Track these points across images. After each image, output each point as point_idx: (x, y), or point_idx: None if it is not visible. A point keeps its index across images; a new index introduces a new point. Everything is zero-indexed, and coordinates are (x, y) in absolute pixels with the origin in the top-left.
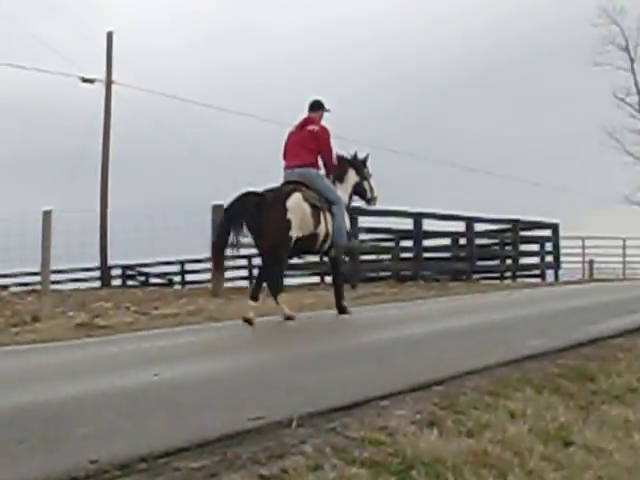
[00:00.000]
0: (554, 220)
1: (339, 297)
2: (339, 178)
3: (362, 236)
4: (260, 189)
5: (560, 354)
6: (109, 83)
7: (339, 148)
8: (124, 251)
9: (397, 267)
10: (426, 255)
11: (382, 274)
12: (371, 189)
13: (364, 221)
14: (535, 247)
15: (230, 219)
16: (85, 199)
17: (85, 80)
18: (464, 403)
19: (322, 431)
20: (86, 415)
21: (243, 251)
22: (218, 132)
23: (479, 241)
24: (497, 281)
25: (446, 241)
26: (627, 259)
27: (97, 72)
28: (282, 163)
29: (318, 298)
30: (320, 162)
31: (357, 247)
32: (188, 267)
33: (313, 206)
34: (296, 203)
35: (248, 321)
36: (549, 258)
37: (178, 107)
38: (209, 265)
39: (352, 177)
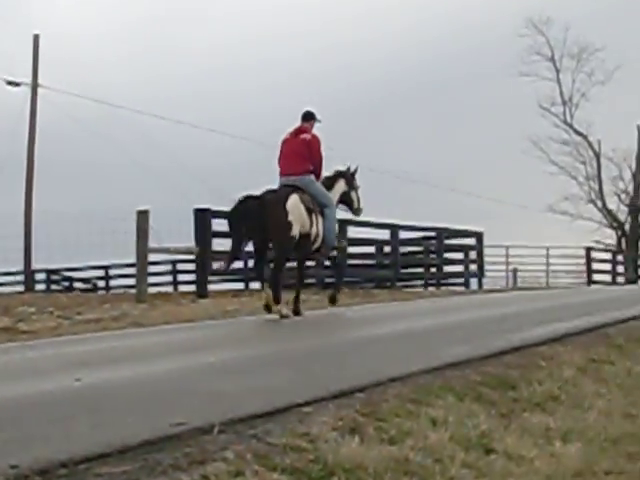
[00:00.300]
0: (478, 229)
1: (337, 285)
2: (329, 186)
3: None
4: (257, 192)
5: (482, 362)
6: (35, 86)
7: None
8: (48, 255)
9: (321, 274)
10: (351, 262)
11: (306, 281)
12: (358, 200)
13: None
14: (459, 255)
15: (233, 224)
16: (9, 203)
17: (10, 83)
18: (386, 410)
19: (244, 437)
20: (6, 420)
21: (167, 257)
22: (150, 140)
23: (404, 249)
24: (421, 289)
25: (371, 248)
26: (550, 268)
27: (25, 76)
28: (277, 169)
29: (242, 304)
30: (311, 167)
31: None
32: (113, 272)
33: (307, 208)
34: (294, 204)
35: (285, 316)
36: (473, 266)
37: (110, 114)
38: (133, 270)
39: (341, 187)
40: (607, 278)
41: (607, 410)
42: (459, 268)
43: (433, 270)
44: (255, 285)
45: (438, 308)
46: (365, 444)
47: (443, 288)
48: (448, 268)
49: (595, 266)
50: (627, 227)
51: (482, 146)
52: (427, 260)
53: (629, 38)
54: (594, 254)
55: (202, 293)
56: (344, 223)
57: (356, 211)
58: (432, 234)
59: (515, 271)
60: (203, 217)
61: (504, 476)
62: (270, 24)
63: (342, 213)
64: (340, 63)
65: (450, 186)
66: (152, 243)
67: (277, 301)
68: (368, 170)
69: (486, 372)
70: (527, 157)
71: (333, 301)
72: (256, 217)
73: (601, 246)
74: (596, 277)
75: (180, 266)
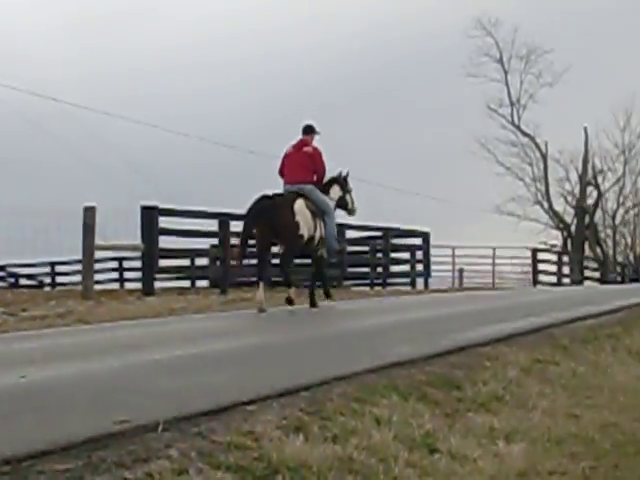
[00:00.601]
0: (425, 229)
1: (325, 286)
2: (325, 193)
3: (233, 240)
4: (270, 193)
5: (427, 361)
6: None
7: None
8: None
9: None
10: (298, 261)
11: (253, 279)
12: (352, 201)
13: (236, 225)
14: (406, 255)
15: (248, 221)
16: None
17: None
18: (330, 409)
19: (188, 435)
20: None
21: (114, 254)
22: (99, 138)
23: (350, 248)
24: (368, 288)
25: None
26: (497, 268)
27: None
28: (281, 179)
29: (188, 302)
30: (314, 177)
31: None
32: (59, 269)
33: (312, 212)
34: (300, 207)
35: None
36: (419, 266)
37: (59, 111)
38: (79, 267)
39: (337, 192)
40: (553, 279)
41: (551, 410)
42: (405, 268)
43: (380, 269)
44: (202, 283)
45: (384, 307)
46: (309, 443)
47: (389, 287)
48: (395, 268)
49: (541, 267)
50: (573, 228)
51: (430, 147)
52: (374, 260)
53: (577, 40)
54: (540, 255)
55: (148, 291)
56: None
57: (350, 211)
58: (379, 234)
59: (461, 271)
60: (150, 214)
61: (448, 476)
62: (222, 26)
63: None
64: (290, 65)
65: (398, 186)
66: (98, 240)
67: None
68: None
69: (431, 372)
70: (475, 158)
71: (327, 295)
72: (268, 216)
73: (547, 247)
74: (542, 278)
75: (127, 263)
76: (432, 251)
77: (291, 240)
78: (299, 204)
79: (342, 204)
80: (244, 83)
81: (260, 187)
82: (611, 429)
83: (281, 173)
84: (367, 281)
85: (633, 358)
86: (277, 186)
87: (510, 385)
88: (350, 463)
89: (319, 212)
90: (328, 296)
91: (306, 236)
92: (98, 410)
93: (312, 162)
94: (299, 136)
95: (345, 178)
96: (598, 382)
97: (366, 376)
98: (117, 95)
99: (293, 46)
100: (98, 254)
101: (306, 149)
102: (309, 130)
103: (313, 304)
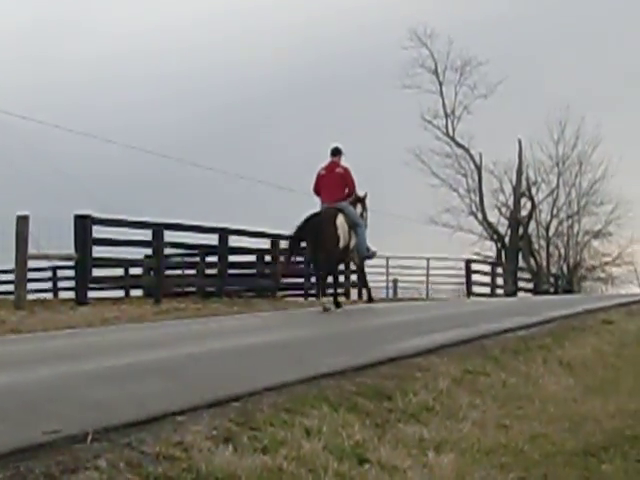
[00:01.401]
0: None
1: (369, 292)
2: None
3: (167, 251)
4: (316, 210)
5: (358, 372)
6: None
7: None
8: None
9: (202, 283)
10: (231, 271)
11: (187, 289)
12: (366, 218)
13: (170, 235)
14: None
15: (299, 233)
16: None
17: None
18: (260, 420)
19: (117, 446)
20: None
21: (48, 263)
22: (32, 147)
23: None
24: (302, 299)
25: (252, 257)
26: (431, 279)
27: None
28: (316, 198)
29: (122, 312)
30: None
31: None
32: None
33: (348, 225)
34: (341, 222)
35: (327, 309)
36: (353, 277)
37: None
38: (12, 277)
39: (359, 209)
40: (486, 290)
41: (481, 421)
42: (340, 278)
43: (313, 280)
44: (136, 293)
45: (317, 318)
46: (239, 453)
47: None
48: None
49: (475, 278)
50: (507, 240)
51: (365, 157)
52: (307, 270)
53: (512, 53)
54: (474, 266)
55: (82, 300)
56: (225, 232)
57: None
58: None
59: (395, 282)
60: (83, 224)
61: None
62: (158, 40)
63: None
64: (227, 79)
65: None
66: (31, 249)
67: (326, 295)
68: (239, 178)
69: (362, 382)
70: (409, 169)
71: (370, 300)
72: (316, 230)
73: (481, 258)
74: (476, 289)
75: (60, 273)
76: (367, 262)
77: (332, 250)
78: (340, 219)
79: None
80: (179, 96)
81: (191, 198)
82: (541, 440)
83: (317, 192)
84: (301, 292)
85: (564, 369)
86: (215, 197)
87: (441, 396)
88: (279, 474)
89: (352, 224)
90: (370, 299)
91: (342, 246)
92: (27, 420)
93: (344, 181)
94: (327, 158)
95: (364, 199)
96: (528, 393)
97: (297, 387)
98: (52, 105)
99: (229, 60)
100: (31, 263)
101: (338, 170)
102: (337, 152)
103: (338, 305)
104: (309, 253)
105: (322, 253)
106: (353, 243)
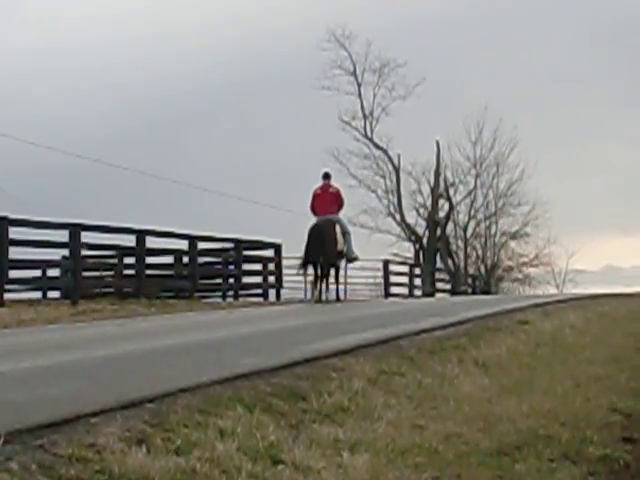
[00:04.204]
0: (277, 240)
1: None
2: None
3: (84, 252)
4: (315, 221)
5: (274, 373)
6: None
7: None
8: None
9: (119, 284)
10: (149, 272)
11: (104, 290)
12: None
13: (87, 236)
14: (258, 266)
15: (309, 240)
16: None
17: None
18: (174, 421)
19: (29, 448)
20: None
21: None
22: None
23: (202, 259)
24: (219, 300)
25: (169, 259)
26: (349, 280)
27: None
28: (311, 213)
29: (38, 314)
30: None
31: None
32: None
33: (342, 233)
34: (338, 229)
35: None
36: (272, 278)
37: None
38: None
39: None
40: (405, 291)
41: (396, 421)
42: (257, 279)
43: (231, 281)
44: (54, 294)
45: (233, 319)
46: (152, 455)
47: (241, 299)
48: (247, 279)
49: (393, 279)
50: (425, 241)
51: (284, 159)
52: (225, 271)
53: (430, 54)
54: (392, 267)
55: None
56: (142, 233)
57: None
58: (230, 245)
59: None
60: None
61: None
62: (79, 32)
63: None
64: (146, 76)
65: (252, 199)
66: None
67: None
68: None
69: (277, 383)
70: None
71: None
72: (319, 237)
73: (399, 259)
74: (394, 290)
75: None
76: (285, 262)
77: (333, 252)
78: (337, 227)
79: None
80: (97, 92)
81: (110, 196)
82: (455, 439)
83: (312, 208)
84: (219, 293)
85: (479, 369)
86: (133, 196)
87: (355, 396)
88: (193, 475)
89: (344, 232)
90: (338, 299)
91: (339, 249)
92: None
93: (337, 199)
94: (319, 181)
95: None
96: (444, 393)
97: (211, 388)
98: None
99: (149, 57)
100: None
101: (331, 190)
102: (327, 176)
103: (338, 299)
104: (311, 254)
105: (323, 254)
106: (345, 248)
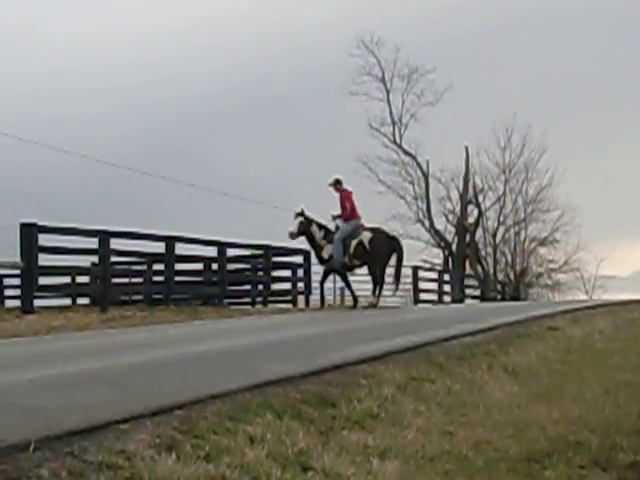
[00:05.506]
0: (306, 247)
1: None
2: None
3: (114, 258)
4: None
5: (303, 380)
6: None
7: None
8: None
9: (149, 291)
10: (178, 279)
11: (134, 297)
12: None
13: (116, 243)
14: (287, 273)
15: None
16: None
17: None
18: (204, 428)
19: (60, 455)
20: None
21: None
22: None
23: (231, 266)
24: (248, 306)
25: (198, 265)
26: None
27: None
28: (344, 216)
29: (68, 321)
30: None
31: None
32: None
33: None
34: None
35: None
36: (301, 284)
37: None
38: None
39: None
40: (434, 297)
41: (426, 428)
42: (287, 286)
43: (260, 287)
44: (83, 301)
45: (263, 326)
46: (181, 461)
47: (270, 306)
48: (276, 286)
49: (422, 285)
50: (454, 247)
51: (313, 164)
52: (255, 277)
53: (459, 60)
54: (421, 273)
55: (28, 309)
56: (171, 240)
57: None
58: (260, 252)
59: (343, 289)
60: (29, 232)
61: None
62: (109, 54)
63: None
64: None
65: (281, 205)
66: None
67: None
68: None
69: (306, 390)
70: (357, 176)
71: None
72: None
73: (428, 265)
74: (423, 296)
75: (7, 281)
76: (313, 269)
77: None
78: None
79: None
80: (130, 110)
81: (141, 207)
82: (484, 446)
83: (351, 210)
84: (248, 299)
85: (509, 375)
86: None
87: (385, 403)
88: None
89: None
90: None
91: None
92: None
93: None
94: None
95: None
96: (473, 399)
97: (240, 394)
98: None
99: (183, 74)
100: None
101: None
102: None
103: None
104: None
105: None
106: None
